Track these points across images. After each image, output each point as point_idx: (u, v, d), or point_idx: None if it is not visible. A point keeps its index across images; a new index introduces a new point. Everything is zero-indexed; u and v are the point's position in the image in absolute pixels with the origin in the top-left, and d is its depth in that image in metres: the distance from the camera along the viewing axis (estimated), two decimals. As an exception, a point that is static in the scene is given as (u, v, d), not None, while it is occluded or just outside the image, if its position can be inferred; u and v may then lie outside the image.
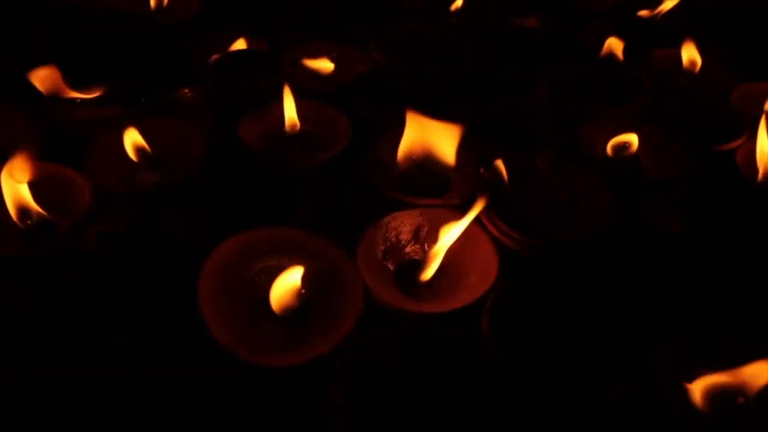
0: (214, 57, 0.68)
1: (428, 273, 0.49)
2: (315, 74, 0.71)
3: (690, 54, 0.76)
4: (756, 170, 0.62)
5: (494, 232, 0.51)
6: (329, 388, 0.41)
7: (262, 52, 0.70)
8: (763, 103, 0.72)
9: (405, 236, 0.53)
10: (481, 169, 0.54)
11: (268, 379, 0.44)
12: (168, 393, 0.44)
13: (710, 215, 0.58)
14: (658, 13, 0.86)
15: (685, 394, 0.41)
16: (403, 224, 0.52)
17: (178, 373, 0.45)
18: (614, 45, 0.79)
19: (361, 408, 0.42)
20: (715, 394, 0.41)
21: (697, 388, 0.41)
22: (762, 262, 0.55)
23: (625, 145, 0.62)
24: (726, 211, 0.59)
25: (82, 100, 0.61)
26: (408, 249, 0.53)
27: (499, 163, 0.53)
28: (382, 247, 0.52)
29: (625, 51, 0.78)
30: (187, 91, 0.67)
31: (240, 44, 0.73)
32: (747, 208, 0.60)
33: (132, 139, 0.57)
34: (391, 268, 0.51)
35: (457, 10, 0.82)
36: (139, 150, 0.57)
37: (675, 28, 0.84)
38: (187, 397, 0.44)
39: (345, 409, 0.40)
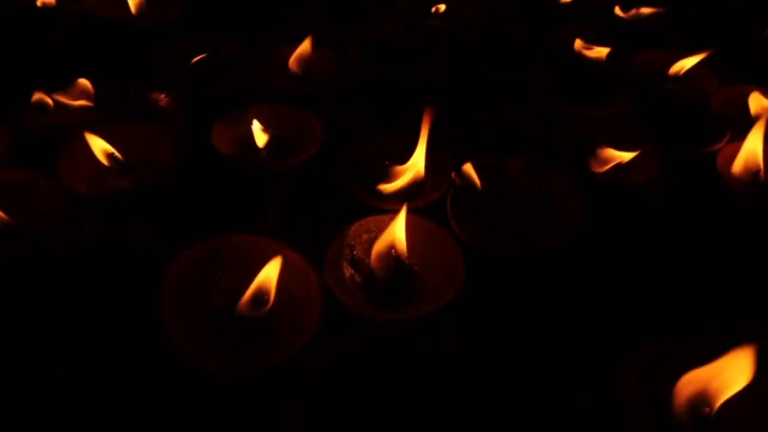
0: (188, 61, 0.67)
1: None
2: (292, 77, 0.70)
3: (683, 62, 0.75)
4: (736, 174, 0.62)
5: (462, 236, 0.50)
6: (286, 396, 0.40)
7: (237, 57, 0.70)
8: (745, 106, 0.71)
9: (373, 242, 0.52)
10: (453, 174, 0.54)
11: (230, 387, 0.44)
12: (130, 402, 0.44)
13: (685, 220, 0.58)
14: (642, 15, 0.85)
15: (652, 405, 0.41)
16: (373, 230, 0.52)
17: (138, 382, 0.45)
18: (597, 47, 0.78)
19: (320, 418, 0.41)
20: (683, 405, 0.41)
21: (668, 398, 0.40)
22: (736, 270, 0.54)
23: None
24: (702, 216, 0.59)
25: (54, 105, 0.61)
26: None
27: (469, 168, 0.53)
28: (351, 254, 0.51)
29: (608, 53, 0.78)
30: (163, 95, 0.66)
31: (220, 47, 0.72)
32: (725, 212, 0.59)
33: (102, 144, 0.57)
34: (361, 275, 0.51)
35: (438, 13, 0.81)
36: (109, 155, 0.57)
37: (658, 30, 0.84)
38: (149, 404, 0.44)
39: (303, 419, 0.40)
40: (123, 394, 0.44)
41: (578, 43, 0.77)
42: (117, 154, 0.57)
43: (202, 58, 0.66)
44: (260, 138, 0.59)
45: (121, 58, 0.70)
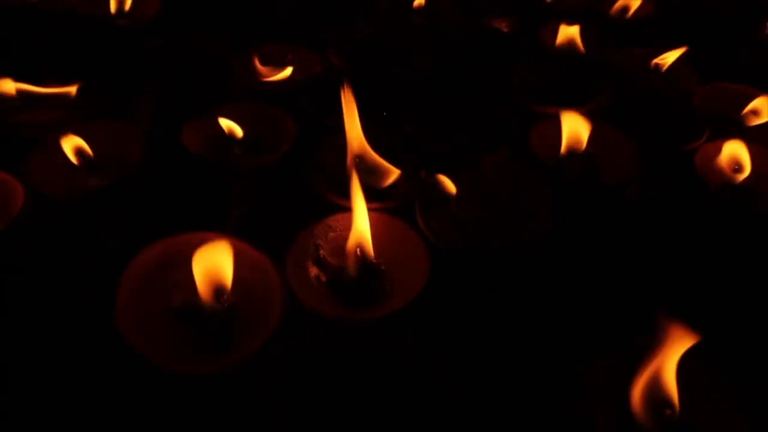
0: (163, 59, 0.67)
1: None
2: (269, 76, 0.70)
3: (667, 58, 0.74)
4: (715, 173, 0.61)
5: (428, 236, 0.49)
6: (250, 398, 0.40)
7: (212, 56, 0.69)
8: (726, 104, 0.70)
9: (340, 241, 0.51)
10: (422, 173, 0.53)
11: (188, 386, 0.43)
12: (86, 403, 0.43)
13: (661, 219, 0.57)
14: (626, 11, 0.84)
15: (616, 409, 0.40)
16: (336, 228, 0.51)
17: (95, 382, 0.44)
18: (578, 44, 0.78)
19: (277, 418, 0.40)
20: (642, 409, 0.40)
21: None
22: (712, 270, 0.53)
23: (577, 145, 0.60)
24: (679, 216, 0.57)
25: (23, 103, 0.60)
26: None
27: (437, 168, 0.52)
28: (317, 252, 0.50)
29: (591, 50, 0.77)
30: (140, 93, 0.66)
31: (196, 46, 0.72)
32: (702, 212, 0.58)
33: (74, 141, 0.56)
34: (326, 273, 0.50)
35: (421, 10, 0.80)
36: (79, 153, 0.57)
37: (641, 27, 0.83)
38: (105, 405, 0.43)
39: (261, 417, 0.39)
40: (80, 396, 0.44)
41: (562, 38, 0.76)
42: (88, 151, 0.57)
43: (175, 56, 0.65)
44: (234, 132, 0.59)
45: (99, 56, 0.70)
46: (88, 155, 0.57)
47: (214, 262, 0.44)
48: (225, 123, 0.59)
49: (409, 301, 0.44)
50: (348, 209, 0.52)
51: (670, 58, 0.72)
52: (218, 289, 0.45)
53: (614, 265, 0.52)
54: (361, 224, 0.49)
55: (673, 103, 0.69)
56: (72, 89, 0.62)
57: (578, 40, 0.75)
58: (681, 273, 0.53)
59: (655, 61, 0.74)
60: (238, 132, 0.60)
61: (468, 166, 0.55)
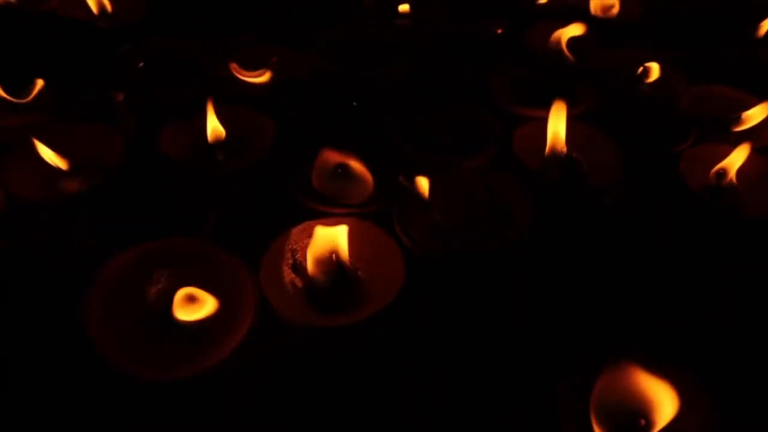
0: (144, 62, 0.66)
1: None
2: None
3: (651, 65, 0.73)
4: (699, 176, 0.60)
5: (405, 241, 0.49)
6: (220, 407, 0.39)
7: (191, 58, 0.69)
8: (714, 107, 0.69)
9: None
10: (400, 177, 0.52)
11: (160, 393, 0.43)
12: (54, 410, 0.43)
13: (643, 224, 0.56)
14: (613, 12, 0.83)
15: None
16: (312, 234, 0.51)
17: (65, 389, 0.44)
18: (565, 45, 0.77)
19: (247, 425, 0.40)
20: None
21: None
22: (694, 276, 0.52)
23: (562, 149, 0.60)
24: (662, 221, 0.57)
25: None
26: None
27: (417, 173, 0.51)
28: (293, 258, 0.50)
29: (577, 52, 0.76)
30: (120, 97, 0.66)
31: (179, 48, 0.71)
32: (686, 216, 0.58)
33: (47, 147, 0.56)
34: (302, 279, 0.49)
35: (406, 12, 0.80)
36: (54, 158, 0.56)
37: (632, 28, 0.82)
38: (74, 412, 0.43)
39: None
40: (49, 402, 0.43)
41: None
42: (63, 158, 0.56)
43: (153, 60, 0.64)
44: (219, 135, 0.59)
45: (81, 58, 0.70)
46: (64, 160, 0.57)
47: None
48: (211, 125, 0.59)
49: (383, 308, 0.44)
50: (325, 214, 0.52)
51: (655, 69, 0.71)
52: (191, 296, 0.44)
53: (593, 271, 0.51)
54: (337, 230, 0.48)
55: (660, 105, 0.69)
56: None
57: (564, 43, 0.74)
58: (662, 278, 0.52)
59: (641, 69, 0.73)
60: (222, 134, 0.60)
61: (447, 171, 0.54)
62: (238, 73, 0.65)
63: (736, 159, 0.58)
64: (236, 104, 0.62)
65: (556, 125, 0.59)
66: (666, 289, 0.52)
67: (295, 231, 0.50)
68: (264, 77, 0.68)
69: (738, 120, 0.66)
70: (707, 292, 0.52)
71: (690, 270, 0.53)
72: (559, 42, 0.76)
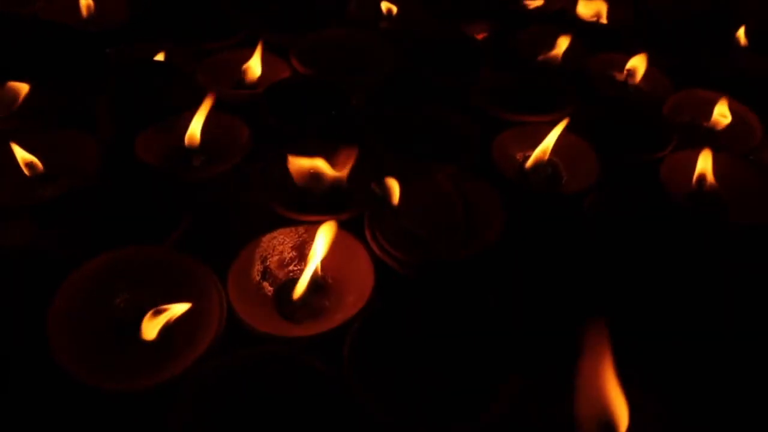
0: (122, 67, 0.66)
1: (298, 291, 0.47)
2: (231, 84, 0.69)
3: (636, 64, 0.73)
4: (680, 183, 0.59)
5: (375, 250, 0.48)
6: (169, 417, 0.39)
7: (170, 64, 0.68)
8: (698, 113, 0.69)
9: (287, 254, 0.50)
10: (372, 184, 0.52)
11: (120, 404, 0.42)
12: (19, 422, 0.43)
13: (622, 231, 0.55)
14: (601, 16, 0.83)
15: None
16: (284, 242, 0.50)
17: (28, 400, 0.43)
18: (552, 50, 0.76)
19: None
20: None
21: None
22: (671, 282, 0.52)
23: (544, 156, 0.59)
24: (641, 228, 0.56)
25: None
26: (291, 267, 0.50)
27: (389, 180, 0.51)
28: (264, 266, 0.49)
29: (563, 55, 0.76)
30: (99, 102, 0.65)
31: (161, 55, 0.71)
32: (665, 223, 0.57)
33: (23, 153, 0.56)
34: (270, 289, 0.49)
35: (389, 16, 0.79)
36: (29, 164, 0.56)
37: (620, 33, 0.82)
38: (38, 423, 0.43)
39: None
40: (11, 410, 0.43)
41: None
42: (37, 163, 0.56)
43: (132, 64, 0.64)
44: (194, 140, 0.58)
45: (62, 63, 0.69)
46: (37, 166, 0.56)
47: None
48: (192, 129, 0.58)
49: (349, 319, 0.44)
50: (297, 222, 0.51)
51: (637, 66, 0.70)
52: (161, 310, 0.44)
53: (569, 278, 0.51)
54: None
55: (643, 110, 0.68)
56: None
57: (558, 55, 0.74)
58: (638, 286, 0.51)
59: (624, 72, 0.72)
60: (197, 139, 0.60)
61: (422, 177, 0.54)
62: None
63: (704, 165, 0.57)
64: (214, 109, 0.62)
65: (550, 140, 0.59)
66: (643, 296, 0.51)
67: (266, 239, 0.50)
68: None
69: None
70: (685, 299, 0.51)
71: (669, 278, 0.52)
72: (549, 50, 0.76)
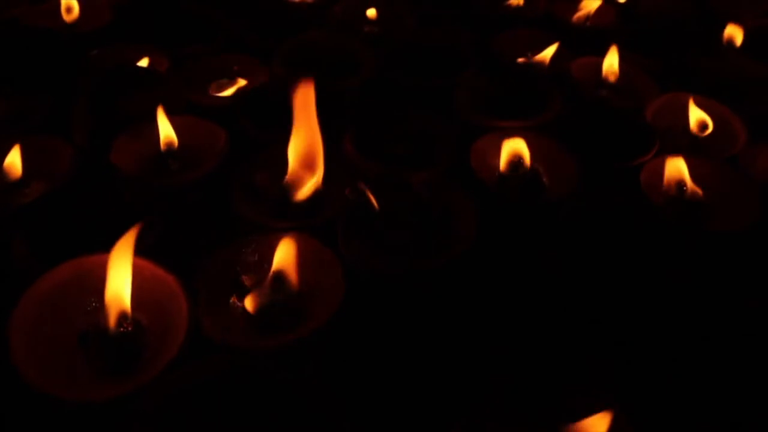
0: (99, 71, 0.65)
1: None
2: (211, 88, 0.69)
3: (611, 62, 0.72)
4: (660, 189, 0.59)
5: (347, 259, 0.48)
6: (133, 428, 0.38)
7: (147, 68, 0.68)
8: (680, 117, 0.68)
9: (258, 263, 0.50)
10: (347, 190, 0.51)
11: (84, 415, 0.42)
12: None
13: (600, 240, 0.55)
14: (587, 19, 0.82)
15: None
16: (257, 250, 0.50)
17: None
18: (536, 54, 0.76)
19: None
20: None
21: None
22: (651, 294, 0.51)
23: (519, 161, 0.59)
24: (620, 236, 0.55)
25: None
26: (261, 276, 0.50)
27: (363, 186, 0.50)
28: (231, 275, 0.49)
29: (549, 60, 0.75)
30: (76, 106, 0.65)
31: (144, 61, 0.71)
32: (646, 231, 0.56)
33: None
34: (240, 298, 0.48)
35: (373, 19, 0.79)
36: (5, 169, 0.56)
37: (603, 35, 0.81)
38: None
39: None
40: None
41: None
42: (12, 168, 0.56)
43: (109, 70, 0.64)
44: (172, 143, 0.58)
45: (40, 67, 0.69)
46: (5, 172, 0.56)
47: (116, 284, 0.43)
48: (164, 133, 0.58)
49: (318, 328, 0.43)
50: (270, 230, 0.51)
51: (612, 62, 0.70)
52: (121, 314, 0.43)
53: (544, 289, 0.50)
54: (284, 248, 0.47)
55: (625, 114, 0.67)
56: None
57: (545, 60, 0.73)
58: (612, 293, 0.51)
59: (605, 73, 0.72)
60: (174, 142, 0.59)
61: (398, 184, 0.53)
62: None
63: (674, 171, 0.57)
64: (189, 113, 0.61)
65: (515, 144, 0.58)
66: (618, 309, 0.50)
67: (237, 246, 0.49)
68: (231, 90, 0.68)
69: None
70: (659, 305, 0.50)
71: (643, 284, 0.51)
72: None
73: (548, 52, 0.74)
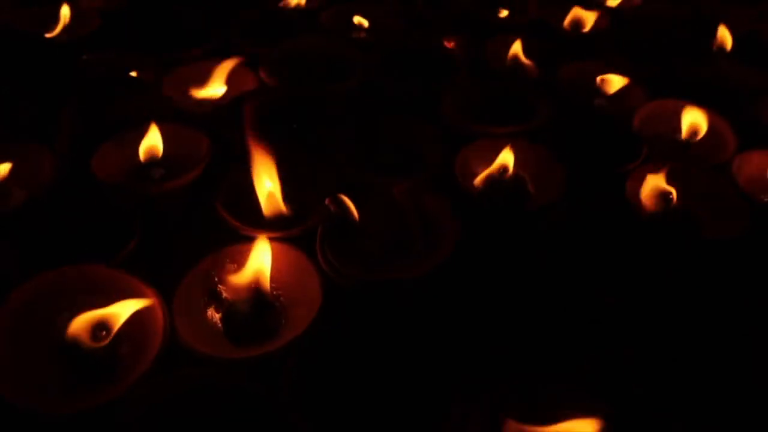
0: (83, 79, 0.65)
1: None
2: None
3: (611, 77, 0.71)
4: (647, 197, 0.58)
5: (324, 268, 0.47)
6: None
7: (133, 76, 0.68)
8: (668, 124, 0.67)
9: (236, 273, 0.49)
10: (327, 200, 0.51)
11: (60, 426, 0.41)
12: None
13: (585, 249, 0.54)
14: (579, 26, 0.81)
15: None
16: (235, 259, 0.49)
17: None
18: (523, 60, 0.75)
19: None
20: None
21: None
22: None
23: (503, 169, 0.58)
24: (605, 245, 0.55)
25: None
26: (239, 286, 0.49)
27: (342, 196, 0.50)
28: (208, 285, 0.48)
29: (538, 65, 0.75)
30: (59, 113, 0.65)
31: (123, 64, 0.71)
32: (631, 240, 0.56)
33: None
34: (221, 308, 0.48)
35: (362, 26, 0.78)
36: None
37: (595, 42, 0.81)
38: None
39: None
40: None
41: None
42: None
43: (94, 77, 0.64)
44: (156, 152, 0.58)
45: (25, 73, 0.69)
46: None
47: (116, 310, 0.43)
48: (149, 141, 0.58)
49: (294, 338, 0.43)
50: (250, 239, 0.51)
51: (614, 82, 0.69)
52: (103, 331, 0.43)
53: (526, 297, 0.50)
54: (259, 257, 0.47)
55: (614, 121, 0.67)
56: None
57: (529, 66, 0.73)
58: (599, 304, 0.50)
59: (600, 77, 0.71)
60: (158, 152, 0.59)
61: (376, 193, 0.53)
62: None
63: (656, 182, 0.56)
64: (174, 121, 0.61)
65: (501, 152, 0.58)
66: (601, 316, 0.50)
67: (215, 257, 0.49)
68: (214, 93, 0.67)
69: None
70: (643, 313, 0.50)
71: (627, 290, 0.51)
72: (517, 56, 0.75)
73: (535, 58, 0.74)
